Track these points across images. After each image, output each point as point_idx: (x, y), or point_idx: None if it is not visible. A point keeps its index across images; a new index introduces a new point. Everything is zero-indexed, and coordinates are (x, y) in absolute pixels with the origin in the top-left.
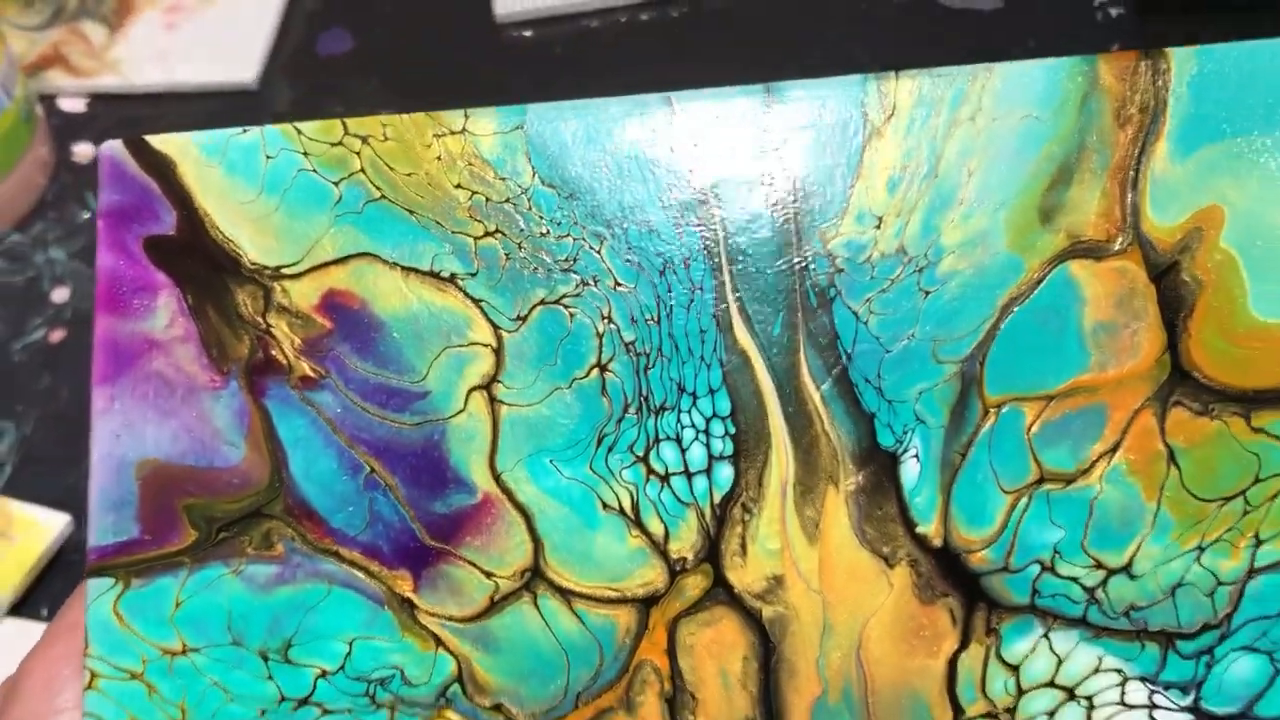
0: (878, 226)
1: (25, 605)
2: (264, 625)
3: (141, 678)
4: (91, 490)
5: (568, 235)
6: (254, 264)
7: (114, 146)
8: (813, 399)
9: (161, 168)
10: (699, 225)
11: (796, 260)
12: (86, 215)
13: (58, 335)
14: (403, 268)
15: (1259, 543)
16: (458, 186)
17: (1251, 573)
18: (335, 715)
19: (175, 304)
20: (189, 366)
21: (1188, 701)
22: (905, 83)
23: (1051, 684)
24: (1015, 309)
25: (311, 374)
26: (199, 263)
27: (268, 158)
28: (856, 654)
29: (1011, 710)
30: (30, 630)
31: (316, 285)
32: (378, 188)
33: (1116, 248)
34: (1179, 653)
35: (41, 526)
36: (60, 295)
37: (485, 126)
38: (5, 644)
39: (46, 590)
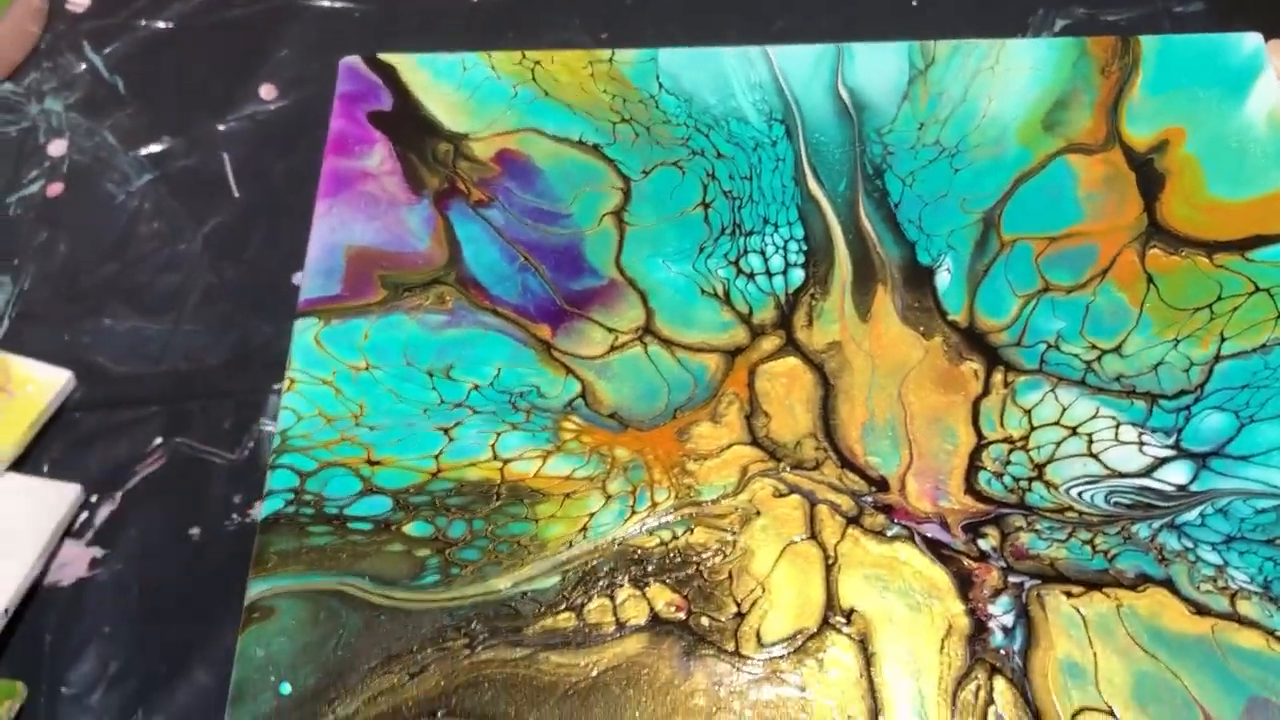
0: (919, 129)
1: (26, 462)
2: (432, 353)
3: (331, 383)
4: (306, 268)
5: (683, 124)
6: (449, 129)
7: (352, 59)
8: (867, 231)
9: (385, 70)
10: (783, 121)
11: (857, 146)
12: (83, 67)
13: (55, 189)
14: (558, 138)
15: (1223, 339)
16: (603, 92)
17: (1218, 358)
18: (483, 414)
19: (386, 151)
20: (392, 190)
21: (1170, 442)
22: (943, 45)
23: (1058, 424)
24: (1025, 181)
25: (484, 198)
26: (408, 127)
27: (464, 68)
28: (898, 394)
29: (1025, 439)
30: (31, 486)
31: (492, 146)
32: (544, 90)
33: (1102, 147)
34: (1162, 408)
35: (41, 383)
36: (57, 148)
37: (627, 58)
38: (5, 502)
39: (47, 448)
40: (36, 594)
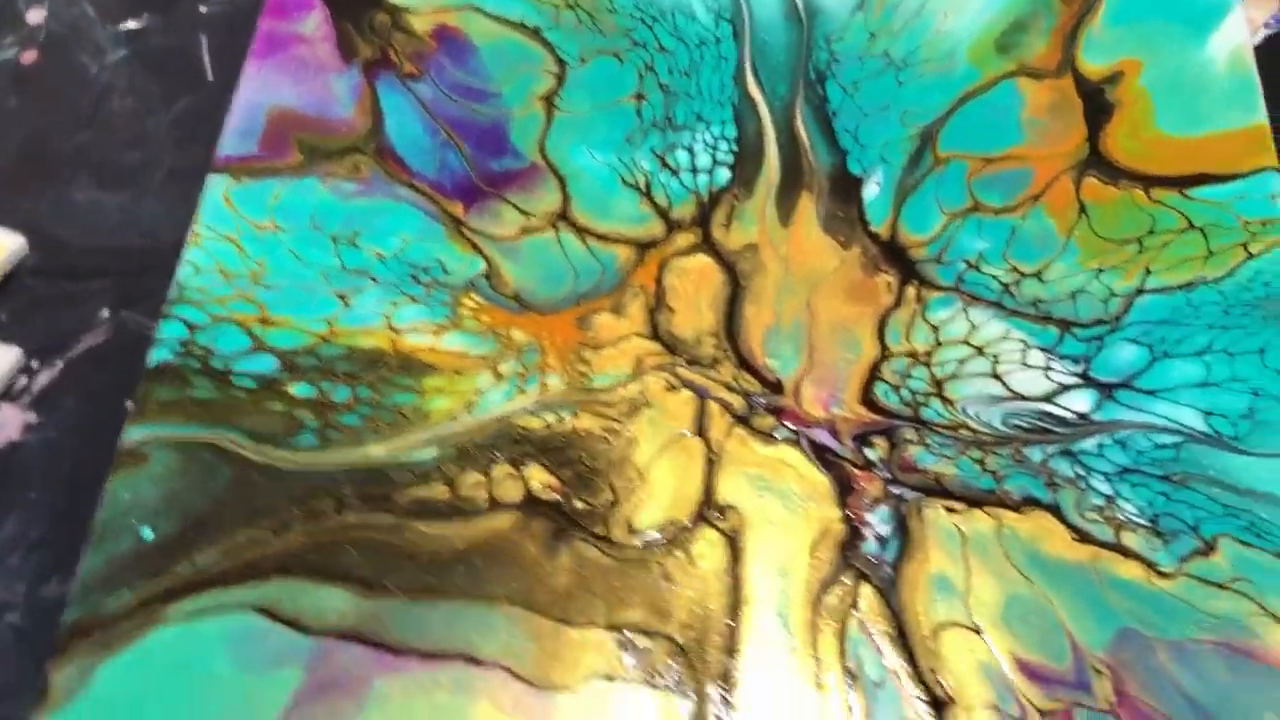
0: (870, 38)
1: None
2: (340, 219)
3: (235, 240)
4: (226, 126)
5: (629, 15)
6: (390, 1)
7: None
8: (801, 136)
9: None
10: (731, 21)
11: (804, 51)
12: None
13: (29, 56)
14: (498, 18)
15: (1149, 273)
16: None
17: (1140, 291)
18: (383, 284)
19: (322, 17)
20: (323, 56)
21: (1079, 369)
22: None
23: (965, 342)
24: (970, 100)
25: (414, 71)
26: None
27: None
28: (808, 301)
29: (929, 355)
30: None
31: (431, 20)
32: None
33: (1054, 74)
34: (1075, 336)
35: None
36: (36, 16)
37: None
38: None
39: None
40: None
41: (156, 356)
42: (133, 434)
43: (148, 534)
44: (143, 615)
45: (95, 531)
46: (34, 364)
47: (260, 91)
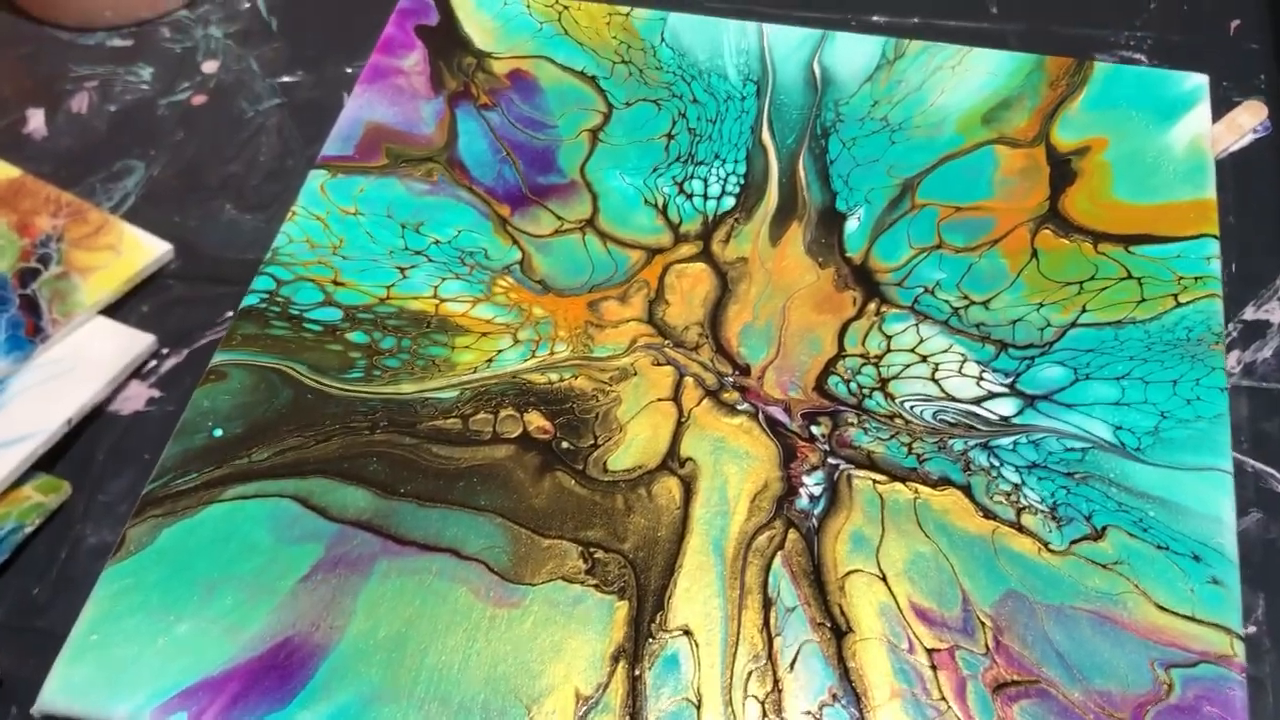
0: (872, 105)
1: (118, 310)
2: (409, 211)
3: (323, 219)
4: (331, 134)
5: (671, 72)
6: (477, 47)
7: None
8: (800, 177)
9: None
10: (756, 83)
11: (814, 111)
12: (247, 5)
13: (199, 100)
14: (564, 66)
15: (1084, 310)
16: (613, 37)
17: (1074, 325)
18: (435, 263)
19: (421, 56)
20: (417, 86)
21: (1007, 381)
22: (915, 43)
23: (912, 351)
24: (950, 160)
25: (488, 103)
26: (444, 40)
27: (504, 3)
28: (783, 306)
29: (880, 357)
30: (117, 330)
31: (508, 64)
32: (564, 29)
33: (1029, 144)
34: (1009, 355)
35: (145, 248)
36: (210, 67)
37: (641, 15)
38: (93, 337)
39: (139, 304)
40: (99, 417)
41: (246, 301)
42: (220, 357)
43: (218, 433)
44: (204, 494)
45: (178, 428)
46: (164, 350)
47: (362, 109)
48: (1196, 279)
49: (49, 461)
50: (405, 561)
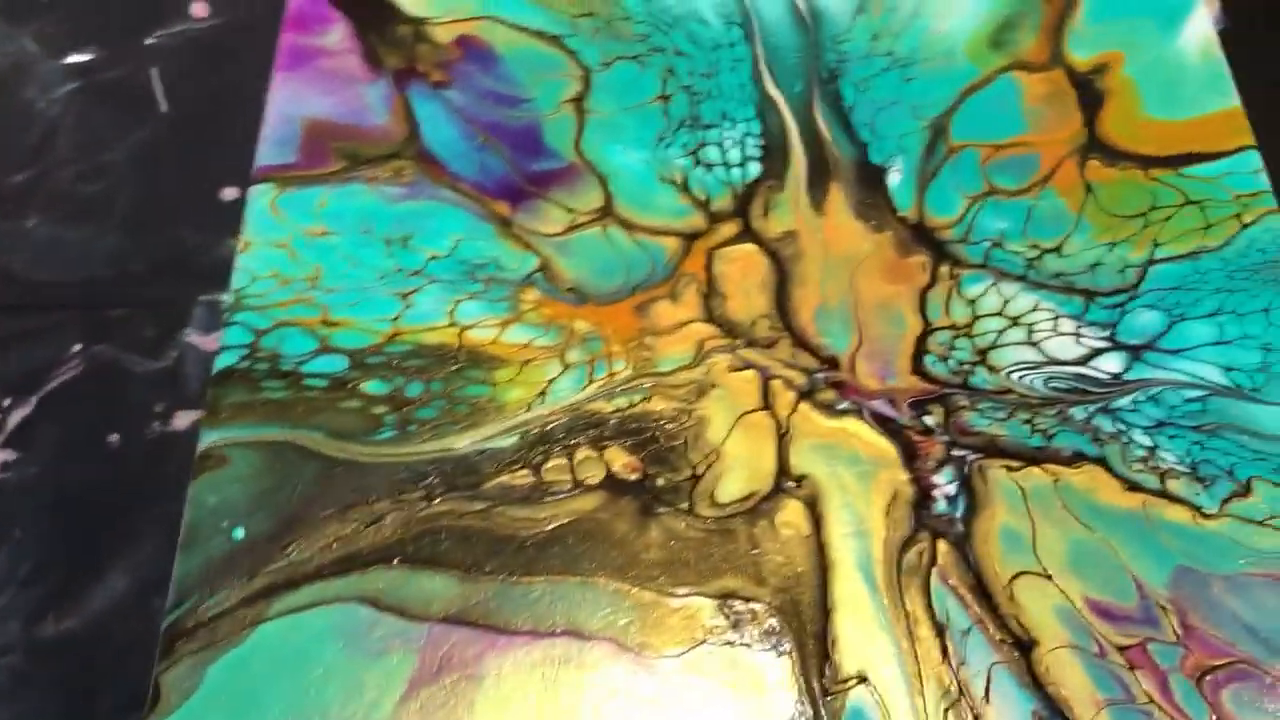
0: (873, 39)
1: None
2: (390, 223)
3: (287, 246)
4: (261, 137)
5: (644, 23)
6: (408, 13)
7: None
8: (821, 130)
9: None
10: (741, 26)
11: (812, 53)
12: None
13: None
14: (517, 26)
15: (1157, 244)
16: None
17: (1152, 262)
18: (441, 283)
19: (346, 31)
20: (350, 67)
21: (1106, 334)
22: None
23: (1000, 314)
24: (972, 94)
25: (443, 79)
26: (366, 9)
27: None
28: (850, 281)
29: (969, 326)
30: None
31: (452, 31)
32: None
33: (1045, 66)
34: (1098, 304)
35: None
36: (200, 9)
37: None
38: None
39: None
40: None
41: (222, 362)
42: (208, 437)
43: (239, 534)
44: (245, 613)
45: (184, 537)
46: (6, 401)
47: (291, 103)
48: (1253, 195)
49: None
50: (519, 654)
